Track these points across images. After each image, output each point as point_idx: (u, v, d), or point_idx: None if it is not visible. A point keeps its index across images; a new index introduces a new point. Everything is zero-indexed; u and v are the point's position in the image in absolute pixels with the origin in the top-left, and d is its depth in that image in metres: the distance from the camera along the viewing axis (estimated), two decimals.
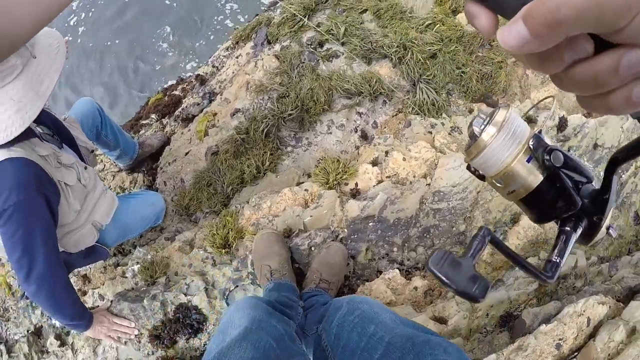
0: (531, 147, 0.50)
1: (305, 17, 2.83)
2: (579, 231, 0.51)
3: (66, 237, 1.91)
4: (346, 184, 2.08)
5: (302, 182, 2.17)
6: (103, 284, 2.49)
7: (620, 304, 1.78)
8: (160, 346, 2.31)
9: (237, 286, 2.16)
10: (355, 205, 1.93)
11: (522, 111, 2.47)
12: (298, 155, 2.37)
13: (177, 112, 2.95)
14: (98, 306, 2.43)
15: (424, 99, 2.41)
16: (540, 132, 0.52)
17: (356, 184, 2.07)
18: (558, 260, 0.49)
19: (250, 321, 1.23)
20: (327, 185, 2.05)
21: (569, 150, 2.49)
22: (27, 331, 2.55)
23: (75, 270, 2.78)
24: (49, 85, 1.50)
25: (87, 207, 1.97)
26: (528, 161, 0.50)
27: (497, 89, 2.55)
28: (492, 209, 2.10)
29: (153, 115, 3.12)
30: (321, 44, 2.67)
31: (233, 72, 2.85)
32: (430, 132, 2.30)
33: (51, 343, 2.46)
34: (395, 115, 2.40)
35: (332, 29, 2.67)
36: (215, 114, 2.65)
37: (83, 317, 1.89)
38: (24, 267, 1.58)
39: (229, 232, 2.16)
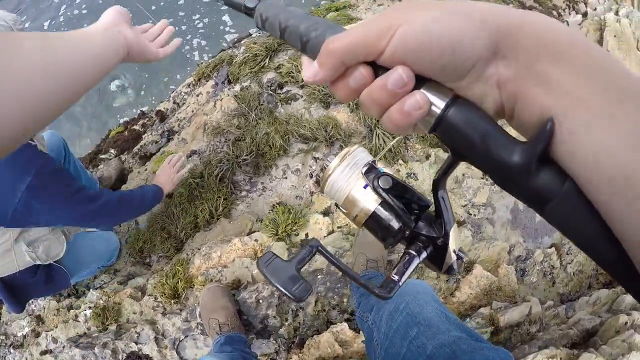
0: (363, 173, 0.55)
1: (267, 57, 2.84)
2: (424, 255, 0.54)
3: (35, 244, 1.88)
4: (296, 235, 2.07)
5: (254, 232, 2.15)
6: (56, 327, 2.44)
7: (574, 351, 1.79)
8: None
9: (187, 336, 2.12)
10: None
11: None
12: (252, 200, 2.36)
13: (135, 149, 2.91)
14: (51, 350, 2.38)
15: (380, 145, 2.42)
16: (374, 161, 0.57)
17: (306, 235, 2.06)
18: (396, 279, 0.52)
19: None
20: (277, 237, 2.04)
21: None
22: None
23: (30, 308, 2.71)
24: None
25: None
26: (365, 187, 0.55)
27: None
28: None
29: (112, 150, 3.07)
30: (281, 86, 2.68)
31: (192, 111, 2.84)
32: None
33: None
34: None
35: (292, 72, 2.68)
36: (170, 153, 2.62)
37: (146, 190, 2.05)
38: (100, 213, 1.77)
39: (178, 282, 2.13)
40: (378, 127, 2.48)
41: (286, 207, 2.12)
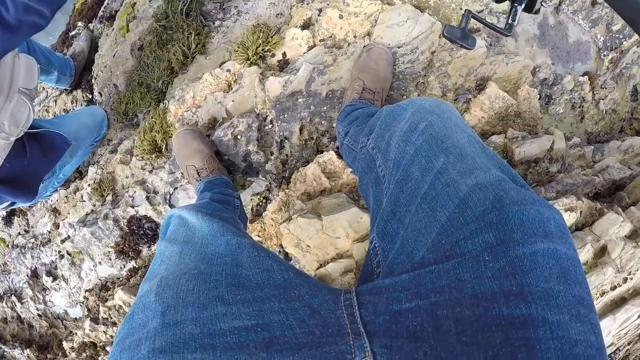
0: None
1: None
2: (524, 4, 0.82)
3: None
4: (273, 56, 1.73)
5: (225, 62, 1.84)
6: (69, 213, 2.42)
7: (597, 204, 1.43)
8: (128, 259, 2.30)
9: (176, 188, 1.96)
10: (275, 82, 1.60)
11: None
12: (228, 29, 2.00)
13: (100, 13, 2.58)
14: (69, 236, 2.41)
15: None
16: None
17: (284, 54, 1.72)
18: (511, 22, 0.82)
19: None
20: (249, 62, 1.71)
21: (560, 4, 2.00)
22: (27, 276, 2.65)
23: (48, 205, 2.67)
24: None
25: (3, 78, 1.69)
26: None
27: None
28: (451, 73, 1.72)
29: (80, 24, 2.76)
30: None
31: None
32: None
33: (46, 280, 2.55)
34: None
35: None
36: (134, 4, 2.27)
37: None
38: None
39: (156, 134, 1.90)
40: None
41: (257, 26, 1.76)
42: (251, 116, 1.65)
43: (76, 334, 2.49)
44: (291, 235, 1.44)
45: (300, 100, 1.62)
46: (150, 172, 2.02)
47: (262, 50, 1.69)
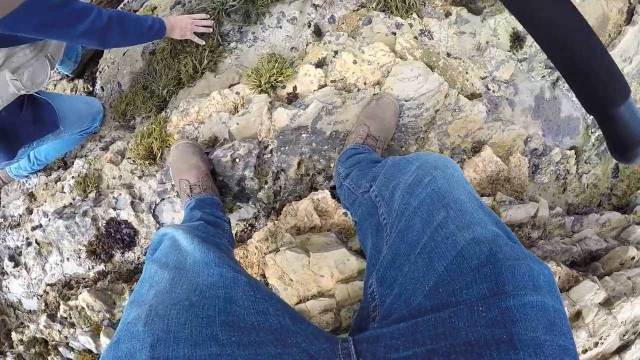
0: None
1: None
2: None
3: (20, 71, 1.73)
4: (283, 87, 1.77)
5: (236, 84, 1.86)
6: (45, 201, 2.37)
7: (574, 272, 1.51)
8: (98, 261, 2.25)
9: (163, 199, 1.94)
10: (284, 113, 1.63)
11: (510, 24, 2.07)
12: (242, 52, 2.04)
13: (119, 9, 2.59)
14: (40, 224, 2.34)
15: None
16: None
17: (294, 88, 1.75)
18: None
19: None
20: (260, 89, 1.74)
21: (557, 81, 2.10)
22: None
23: (25, 187, 2.62)
24: None
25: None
26: None
27: None
28: (450, 133, 1.78)
29: None
30: None
31: None
32: (394, 34, 1.94)
33: (7, 265, 2.46)
34: (356, 10, 2.02)
35: None
36: (154, 8, 2.30)
37: (155, 19, 1.86)
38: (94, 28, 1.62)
39: (153, 142, 1.90)
40: None
41: (273, 56, 1.80)
42: (253, 142, 1.67)
43: (28, 326, 2.40)
44: (276, 267, 1.45)
45: (304, 135, 1.65)
46: (140, 177, 2.01)
47: (275, 80, 1.72)
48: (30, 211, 2.46)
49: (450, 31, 2.01)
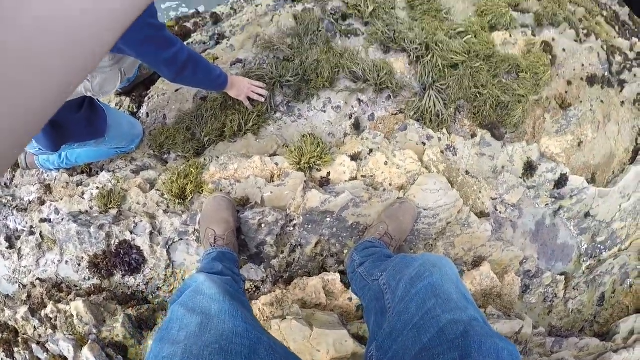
0: None
1: None
2: None
3: (94, 74, 1.85)
4: (318, 170, 1.96)
5: (277, 155, 2.05)
6: (61, 199, 2.46)
7: None
8: (97, 275, 2.32)
9: (182, 239, 2.08)
10: (317, 196, 1.81)
11: (526, 154, 2.32)
12: (285, 124, 2.24)
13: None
14: (50, 220, 2.41)
15: (430, 107, 2.25)
16: None
17: (328, 173, 1.95)
18: None
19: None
20: (298, 166, 1.93)
21: (559, 210, 2.34)
22: None
23: (42, 177, 2.72)
24: None
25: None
26: None
27: (508, 122, 2.38)
28: (456, 245, 1.98)
29: None
30: (344, 17, 2.50)
31: (248, 20, 2.69)
32: (424, 144, 2.16)
33: (0, 243, 2.49)
34: (395, 114, 2.25)
35: (360, 5, 2.49)
36: (216, 58, 2.51)
37: (222, 72, 2.05)
38: (176, 60, 1.78)
39: (188, 183, 2.06)
40: (433, 89, 2.30)
41: (316, 139, 2.00)
42: (282, 213, 1.84)
43: (2, 310, 2.42)
44: (279, 332, 1.59)
45: (328, 219, 1.83)
46: (165, 212, 2.15)
47: (314, 162, 1.91)
48: (42, 202, 2.53)
49: (472, 151, 2.24)
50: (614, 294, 2.51)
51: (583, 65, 2.71)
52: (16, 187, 2.67)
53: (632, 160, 2.74)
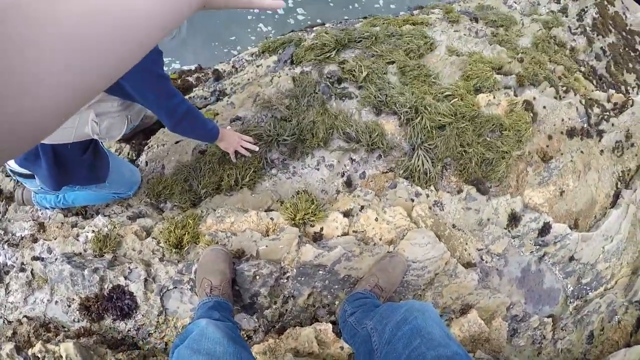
0: None
1: (334, 50, 2.84)
2: None
3: (102, 118, 1.92)
4: (312, 226, 2.05)
5: (272, 210, 2.15)
6: (55, 239, 2.49)
7: None
8: (87, 317, 2.32)
9: (176, 287, 2.13)
10: (311, 250, 1.90)
11: (510, 206, 2.45)
12: (280, 181, 2.35)
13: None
14: (42, 258, 2.43)
15: (418, 166, 2.39)
16: None
17: (321, 229, 2.04)
18: None
19: None
20: (293, 222, 2.02)
21: (543, 256, 2.45)
22: None
23: (36, 214, 2.76)
24: None
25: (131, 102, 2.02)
26: None
27: (493, 177, 2.54)
28: (444, 294, 2.07)
29: None
30: (339, 81, 2.68)
31: (248, 79, 2.86)
32: (413, 200, 2.29)
33: None
34: (385, 172, 2.39)
35: (354, 70, 2.67)
36: (216, 114, 2.65)
37: (215, 126, 2.17)
38: (175, 112, 1.89)
39: (185, 234, 2.14)
40: (421, 148, 2.46)
41: (310, 195, 2.11)
42: (277, 266, 1.92)
43: None
44: None
45: (320, 272, 1.91)
46: (160, 260, 2.21)
47: (308, 218, 2.01)
48: (35, 240, 2.54)
49: (459, 205, 2.36)
50: (602, 331, 2.58)
51: (563, 119, 2.90)
52: (9, 221, 2.69)
53: (613, 204, 2.88)
